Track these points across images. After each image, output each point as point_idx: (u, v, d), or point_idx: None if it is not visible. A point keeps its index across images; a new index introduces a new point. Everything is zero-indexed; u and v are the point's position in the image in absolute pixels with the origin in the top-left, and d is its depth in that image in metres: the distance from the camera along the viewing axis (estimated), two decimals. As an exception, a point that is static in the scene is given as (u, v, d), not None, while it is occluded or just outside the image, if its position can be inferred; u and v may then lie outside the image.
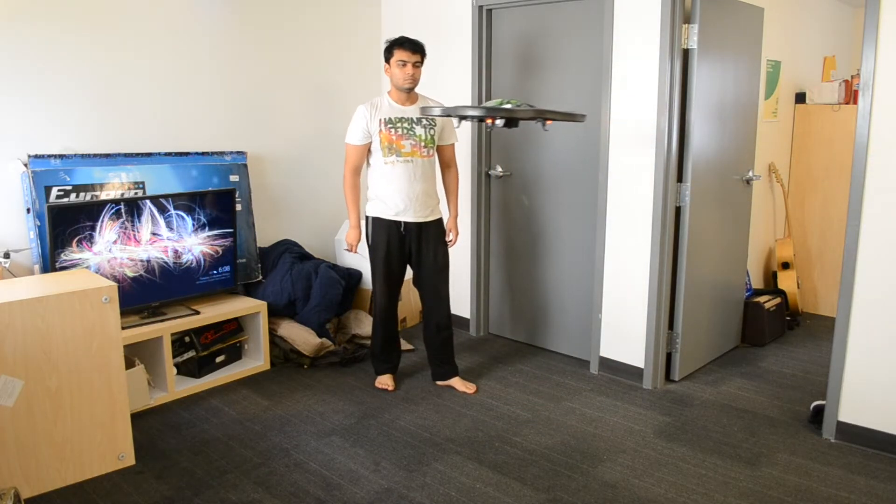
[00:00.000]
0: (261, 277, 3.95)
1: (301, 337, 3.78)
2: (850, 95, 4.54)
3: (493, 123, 2.92)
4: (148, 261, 3.41)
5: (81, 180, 3.28)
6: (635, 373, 3.59)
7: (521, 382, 3.62)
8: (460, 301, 4.42)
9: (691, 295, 3.56)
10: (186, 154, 3.70)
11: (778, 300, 4.30)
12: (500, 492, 2.58)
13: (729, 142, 3.68)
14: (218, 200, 3.61)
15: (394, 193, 3.28)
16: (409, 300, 4.37)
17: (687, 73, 3.33)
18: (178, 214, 3.48)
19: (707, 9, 3.31)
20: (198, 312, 3.52)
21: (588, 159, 3.69)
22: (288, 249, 4.03)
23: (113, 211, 3.25)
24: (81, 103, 3.37)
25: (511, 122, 2.96)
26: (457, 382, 3.52)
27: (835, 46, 5.04)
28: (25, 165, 3.16)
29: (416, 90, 3.37)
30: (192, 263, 3.56)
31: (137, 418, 3.11)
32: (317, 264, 3.93)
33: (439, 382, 3.56)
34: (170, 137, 3.70)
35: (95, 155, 3.37)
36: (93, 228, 3.20)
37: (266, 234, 4.14)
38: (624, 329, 3.62)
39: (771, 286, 4.77)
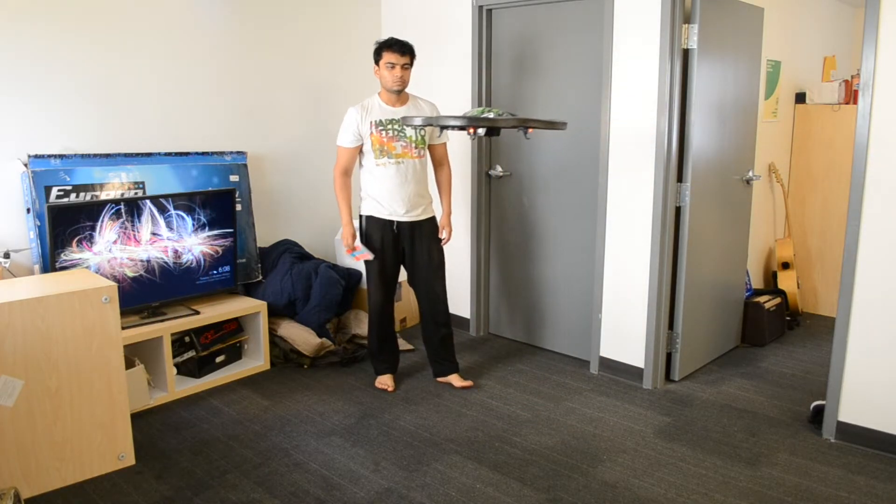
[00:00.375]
0: (261, 277, 3.95)
1: (301, 337, 3.78)
2: (850, 95, 4.54)
3: (475, 133, 2.95)
4: (148, 261, 3.41)
5: (81, 180, 3.28)
6: (635, 373, 3.59)
7: (521, 382, 3.62)
8: (460, 301, 4.42)
9: (691, 295, 3.56)
10: (186, 154, 3.70)
11: (778, 300, 4.30)
12: (500, 492, 2.58)
13: (729, 142, 3.68)
14: (218, 200, 3.61)
15: (386, 194, 3.31)
16: (409, 300, 4.37)
17: (687, 74, 3.32)
18: (178, 214, 3.48)
19: (707, 9, 3.31)
20: (198, 312, 3.52)
21: (588, 159, 3.69)
22: (288, 249, 4.03)
23: (113, 211, 3.25)
24: (81, 103, 3.37)
25: (493, 130, 2.98)
26: (454, 379, 3.54)
27: (835, 46, 5.04)
28: (25, 165, 3.16)
29: (408, 90, 3.38)
30: (192, 263, 3.56)
31: (137, 418, 3.11)
32: (317, 264, 3.93)
33: (439, 379, 3.58)
34: (170, 137, 3.70)
35: (95, 155, 3.37)
36: (93, 228, 3.20)
37: (266, 234, 4.14)
38: (624, 329, 3.62)
39: (771, 286, 4.77)
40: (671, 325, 3.57)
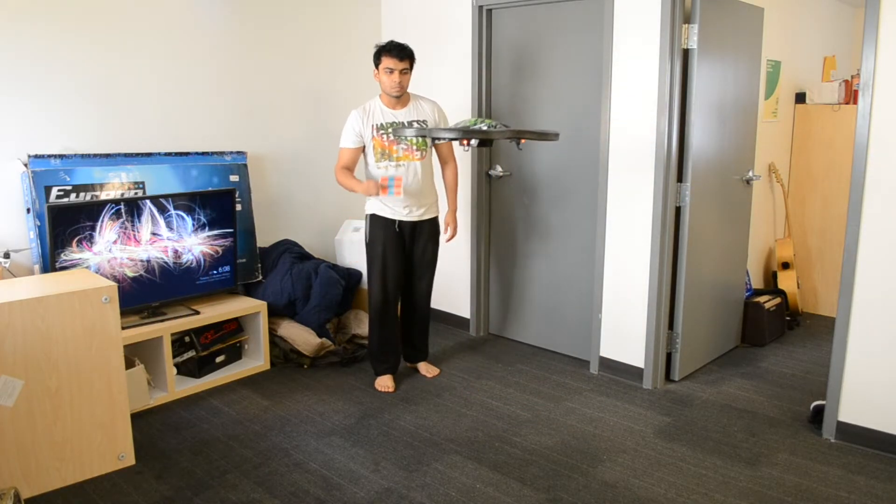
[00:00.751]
0: (261, 277, 3.95)
1: (301, 337, 3.78)
2: (850, 95, 4.54)
3: (468, 144, 2.98)
4: (148, 261, 3.41)
5: (81, 180, 3.28)
6: (635, 373, 3.59)
7: (521, 382, 3.62)
8: (460, 301, 4.42)
9: (691, 295, 3.56)
10: (186, 154, 3.70)
11: (778, 300, 4.30)
12: (500, 492, 2.58)
13: (729, 142, 3.68)
14: (218, 200, 3.61)
15: (387, 199, 3.34)
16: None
17: (687, 74, 3.32)
18: (178, 214, 3.48)
19: (707, 9, 3.31)
20: (198, 312, 3.52)
21: (588, 159, 3.69)
22: (288, 249, 4.03)
23: (113, 211, 3.25)
24: (81, 103, 3.37)
25: (486, 141, 2.99)
26: (422, 366, 3.71)
27: (835, 46, 5.04)
28: (25, 165, 3.16)
29: (409, 90, 3.38)
30: (192, 263, 3.56)
31: (137, 418, 3.11)
32: (317, 264, 3.92)
33: (409, 364, 3.75)
34: (170, 137, 3.70)
35: (95, 155, 3.37)
36: (93, 228, 3.20)
37: (266, 234, 4.14)
38: (624, 329, 3.62)
39: (771, 286, 4.77)
40: (671, 325, 3.57)
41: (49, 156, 3.22)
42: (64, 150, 3.32)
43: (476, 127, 2.98)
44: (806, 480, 2.66)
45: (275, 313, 3.85)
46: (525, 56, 3.92)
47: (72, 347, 2.56)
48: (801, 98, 4.72)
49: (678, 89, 3.30)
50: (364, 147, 3.36)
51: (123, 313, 3.13)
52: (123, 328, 3.06)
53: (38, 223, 3.18)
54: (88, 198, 3.29)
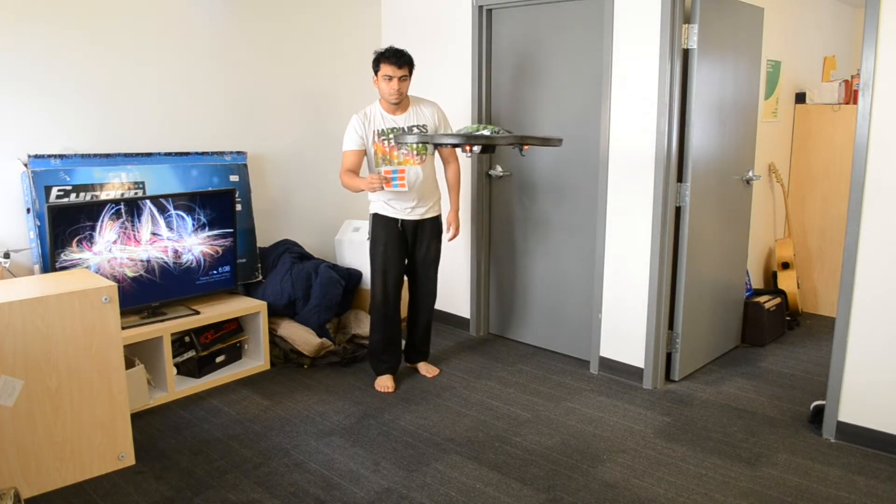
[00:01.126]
0: (261, 277, 3.95)
1: (301, 337, 3.78)
2: (850, 95, 4.54)
3: (470, 151, 2.98)
4: (148, 261, 3.41)
5: (81, 180, 3.28)
6: (635, 373, 3.59)
7: (521, 382, 3.62)
8: (460, 301, 4.42)
9: (691, 295, 3.56)
10: (186, 154, 3.70)
11: (778, 300, 4.30)
12: (500, 492, 2.58)
13: (729, 142, 3.68)
14: (218, 200, 3.61)
15: (390, 199, 3.37)
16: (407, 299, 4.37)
17: (687, 74, 3.32)
18: (178, 214, 3.48)
19: (707, 9, 3.31)
20: (198, 312, 3.52)
21: (588, 159, 3.69)
22: (288, 249, 4.03)
23: (113, 211, 3.25)
24: (81, 103, 3.37)
25: (488, 147, 3.00)
26: (422, 366, 3.73)
27: (835, 46, 5.04)
28: (25, 165, 3.16)
29: (409, 92, 3.39)
30: (192, 263, 3.56)
31: (137, 418, 3.11)
32: (317, 264, 3.93)
33: (409, 364, 3.76)
34: (170, 137, 3.70)
35: (95, 155, 3.37)
36: (93, 228, 3.20)
37: (266, 234, 4.14)
38: (624, 329, 3.62)
39: (771, 286, 4.77)
40: (671, 325, 3.57)
41: (49, 156, 3.22)
42: (64, 150, 3.32)
43: (478, 133, 2.98)
44: (806, 480, 2.66)
45: (275, 313, 3.85)
46: (525, 56, 3.92)
47: (72, 347, 2.56)
48: (801, 98, 4.72)
49: (678, 89, 3.30)
50: (366, 150, 3.37)
51: (123, 313, 3.13)
52: (123, 328, 3.06)
53: (38, 223, 3.18)
54: (88, 198, 3.29)
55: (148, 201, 3.37)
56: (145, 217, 3.37)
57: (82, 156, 3.32)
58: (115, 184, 3.39)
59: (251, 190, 3.93)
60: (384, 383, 3.51)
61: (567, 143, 3.76)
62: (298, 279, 3.81)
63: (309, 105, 4.34)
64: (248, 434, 3.04)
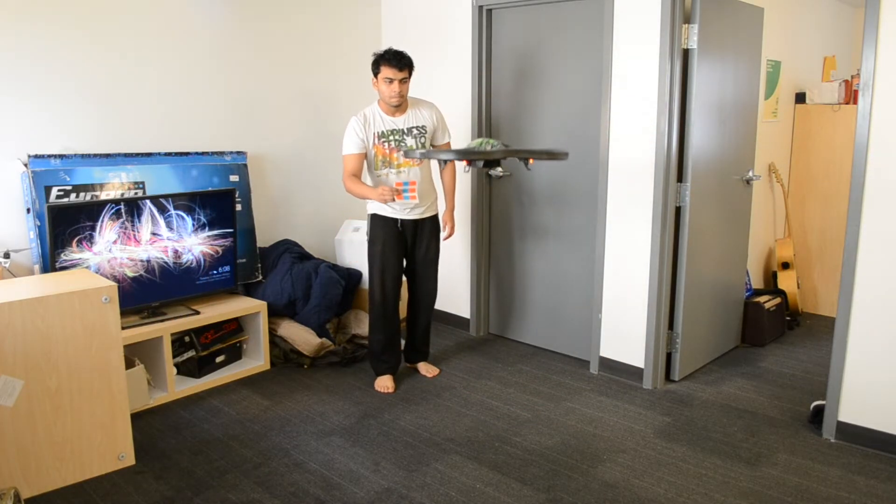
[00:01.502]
0: (261, 277, 3.95)
1: (301, 337, 3.78)
2: (850, 95, 4.54)
3: (472, 165, 3.01)
4: (148, 261, 3.41)
5: (81, 180, 3.28)
6: (635, 373, 3.59)
7: (521, 382, 3.62)
8: (460, 301, 4.42)
9: (691, 295, 3.56)
10: (186, 154, 3.70)
11: (778, 300, 4.30)
12: (500, 492, 2.58)
13: (729, 142, 3.68)
14: (218, 200, 3.61)
15: (404, 200, 3.36)
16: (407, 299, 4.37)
17: (687, 73, 3.32)
18: (178, 214, 3.48)
19: (707, 9, 3.31)
20: (198, 312, 3.52)
21: (588, 159, 3.69)
22: (288, 249, 4.03)
23: (113, 211, 3.25)
24: (81, 103, 3.37)
25: (491, 162, 3.00)
26: (422, 366, 3.73)
27: (835, 46, 5.04)
28: (25, 165, 3.16)
29: (408, 94, 3.39)
30: (192, 263, 3.56)
31: (137, 418, 3.11)
32: (317, 264, 3.93)
33: (408, 364, 3.77)
34: (170, 137, 3.70)
35: (95, 155, 3.37)
36: (93, 228, 3.20)
37: (266, 234, 4.14)
38: (624, 329, 3.62)
39: (771, 286, 4.77)
40: (671, 325, 3.57)
41: (49, 156, 3.22)
42: (64, 150, 3.32)
43: (482, 148, 2.98)
44: (806, 480, 2.66)
45: (275, 313, 3.85)
46: (525, 56, 3.92)
47: (72, 347, 2.56)
48: (801, 98, 4.72)
49: (678, 89, 3.30)
50: (367, 153, 3.37)
51: (123, 313, 3.13)
52: (123, 328, 3.06)
53: (38, 223, 3.18)
54: (88, 198, 3.29)
55: (148, 201, 3.37)
56: (145, 217, 3.37)
57: (82, 156, 3.32)
58: (115, 184, 3.39)
59: (251, 190, 3.93)
60: (384, 383, 3.51)
61: (567, 143, 3.77)
62: (298, 279, 3.81)
63: (309, 105, 4.34)
64: (248, 434, 3.04)
